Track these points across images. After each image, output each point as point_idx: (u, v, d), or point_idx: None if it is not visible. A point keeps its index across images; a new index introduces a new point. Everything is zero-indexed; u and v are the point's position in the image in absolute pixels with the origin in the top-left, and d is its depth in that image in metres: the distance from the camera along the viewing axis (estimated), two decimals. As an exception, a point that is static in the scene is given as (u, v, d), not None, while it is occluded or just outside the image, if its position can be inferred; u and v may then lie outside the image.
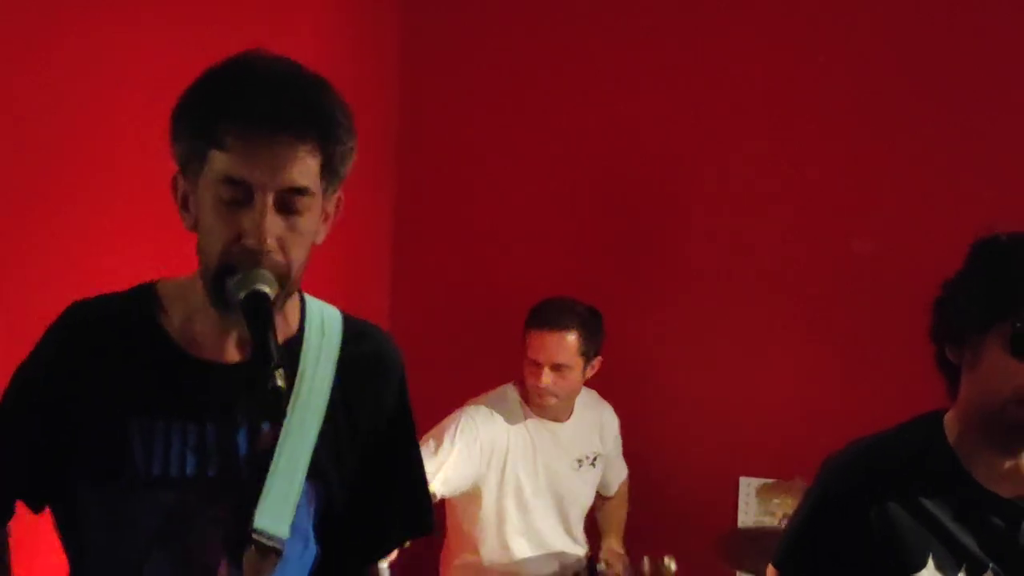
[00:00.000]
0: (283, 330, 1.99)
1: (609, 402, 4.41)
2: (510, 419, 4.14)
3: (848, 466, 2.40)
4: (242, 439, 1.98)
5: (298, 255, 1.90)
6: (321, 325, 2.07)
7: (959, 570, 2.32)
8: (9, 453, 2.01)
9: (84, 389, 1.95)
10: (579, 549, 4.35)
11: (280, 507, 1.98)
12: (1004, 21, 4.46)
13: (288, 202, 1.87)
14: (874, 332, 4.46)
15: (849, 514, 2.33)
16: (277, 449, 1.97)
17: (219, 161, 1.84)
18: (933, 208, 4.45)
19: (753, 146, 4.63)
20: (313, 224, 1.91)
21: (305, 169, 1.86)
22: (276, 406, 1.83)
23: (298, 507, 2.00)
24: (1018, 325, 2.22)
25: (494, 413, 4.14)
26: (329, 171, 1.91)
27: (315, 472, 2.01)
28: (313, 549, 2.09)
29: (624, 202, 4.76)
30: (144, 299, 2.02)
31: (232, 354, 1.99)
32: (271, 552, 1.97)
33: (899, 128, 4.51)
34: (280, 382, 1.80)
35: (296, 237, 1.89)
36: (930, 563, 2.32)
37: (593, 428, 4.33)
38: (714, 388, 4.66)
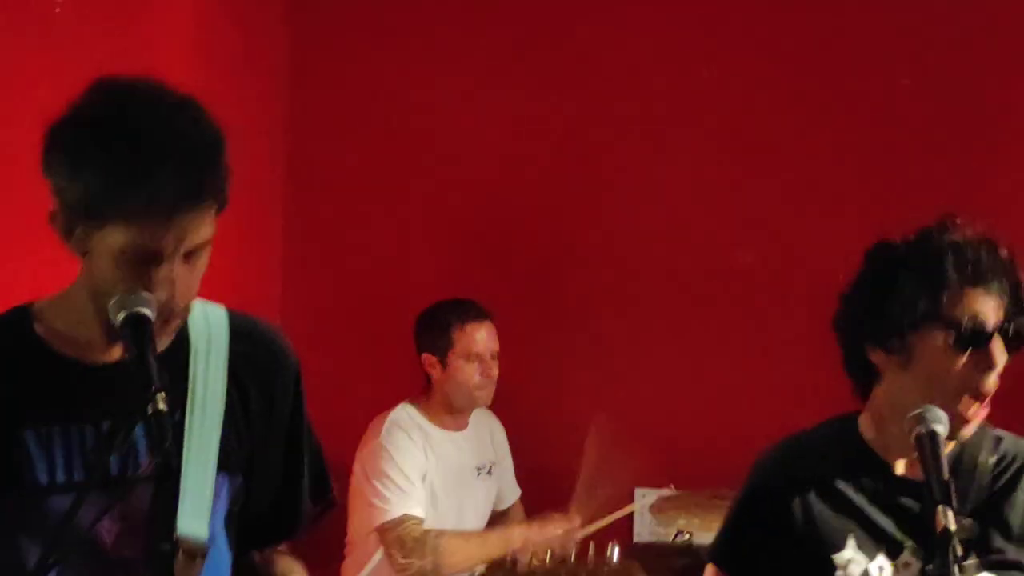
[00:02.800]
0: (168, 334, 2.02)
1: (498, 414, 4.45)
2: (419, 435, 4.19)
3: (771, 463, 2.55)
4: (139, 435, 1.96)
5: (194, 291, 1.99)
6: (207, 325, 2.09)
7: (878, 551, 2.44)
8: None
9: None
10: None
11: (197, 507, 2.00)
12: (880, 29, 4.57)
13: (191, 255, 1.93)
14: (768, 340, 4.53)
15: (774, 506, 2.48)
16: (184, 454, 1.98)
17: (120, 233, 1.88)
18: (823, 217, 4.53)
19: (638, 154, 4.69)
20: (207, 258, 1.97)
21: (207, 225, 1.93)
22: (159, 429, 1.82)
23: (212, 504, 2.04)
24: (954, 321, 2.31)
25: (405, 433, 4.19)
26: (220, 209, 1.96)
27: (225, 465, 2.04)
28: (224, 551, 2.11)
29: (516, 213, 4.80)
30: (19, 317, 2.04)
31: (117, 353, 2.00)
32: (196, 555, 1.98)
33: (781, 135, 4.61)
34: (162, 405, 1.82)
35: (196, 277, 1.97)
36: (850, 545, 2.44)
37: (485, 435, 4.40)
38: (606, 399, 4.63)
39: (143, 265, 1.89)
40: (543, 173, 4.78)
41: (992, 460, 2.49)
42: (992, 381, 2.37)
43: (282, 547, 2.31)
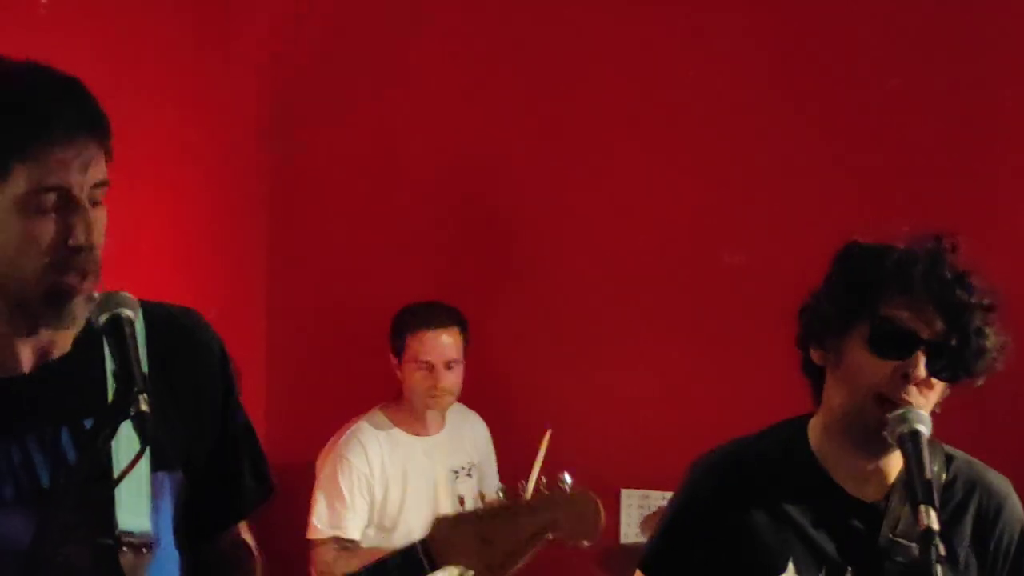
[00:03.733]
0: (73, 328, 1.98)
1: (481, 415, 4.47)
2: (380, 443, 4.22)
3: (712, 471, 2.50)
4: (67, 442, 1.96)
5: (102, 239, 1.95)
6: None
7: (819, 573, 2.40)
8: None
9: None
10: None
11: (135, 502, 1.98)
12: (869, 29, 4.59)
13: (94, 197, 1.92)
14: (751, 340, 4.51)
15: (712, 518, 2.43)
16: (113, 451, 1.92)
17: (30, 173, 1.86)
18: (800, 219, 4.55)
19: (623, 154, 4.71)
20: (104, 209, 1.95)
21: (102, 163, 1.92)
22: (143, 429, 1.81)
23: (154, 502, 2.01)
24: (876, 323, 2.30)
25: (361, 444, 4.23)
26: (109, 158, 1.94)
27: (160, 463, 2.00)
28: (171, 552, 2.07)
29: (500, 213, 4.84)
30: None
31: (29, 364, 1.97)
32: (142, 548, 1.98)
33: (768, 136, 4.63)
34: (144, 406, 1.81)
35: (101, 227, 1.94)
36: (790, 567, 2.39)
37: (465, 437, 4.42)
38: (590, 399, 4.69)
39: (50, 212, 1.88)
40: (529, 175, 4.81)
41: (944, 478, 2.45)
42: (917, 398, 2.32)
43: (248, 539, 2.30)
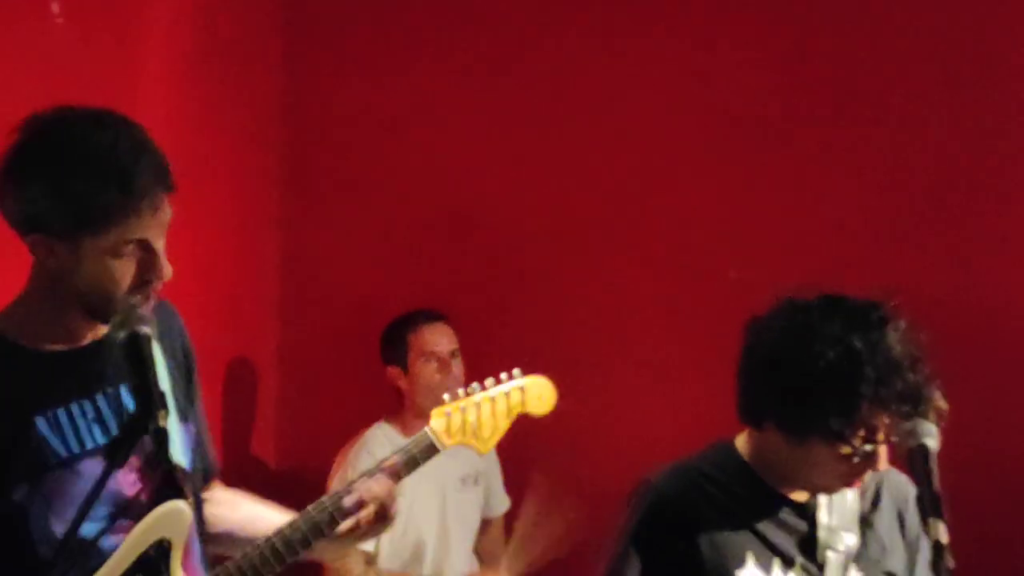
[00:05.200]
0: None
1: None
2: (388, 453, 4.17)
3: (667, 486, 2.68)
4: (126, 396, 2.36)
5: (169, 274, 2.36)
6: None
7: (773, 562, 2.62)
8: None
9: None
10: (468, 568, 4.46)
11: (179, 445, 2.39)
12: (873, 46, 4.58)
13: (162, 232, 2.33)
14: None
15: (674, 531, 2.61)
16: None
17: (118, 231, 2.25)
18: (806, 235, 4.56)
19: (627, 167, 4.73)
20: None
21: (169, 206, 2.32)
22: (162, 443, 2.12)
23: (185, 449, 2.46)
24: (854, 443, 2.48)
25: (371, 455, 4.21)
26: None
27: (183, 416, 2.46)
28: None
29: (498, 231, 4.85)
30: None
31: (86, 340, 2.39)
32: (189, 480, 2.39)
33: (774, 151, 4.63)
34: (162, 423, 2.11)
35: (167, 260, 2.34)
36: (750, 561, 2.60)
37: None
38: (594, 412, 4.61)
39: (140, 254, 2.28)
40: (534, 190, 4.83)
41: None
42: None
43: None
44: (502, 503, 4.62)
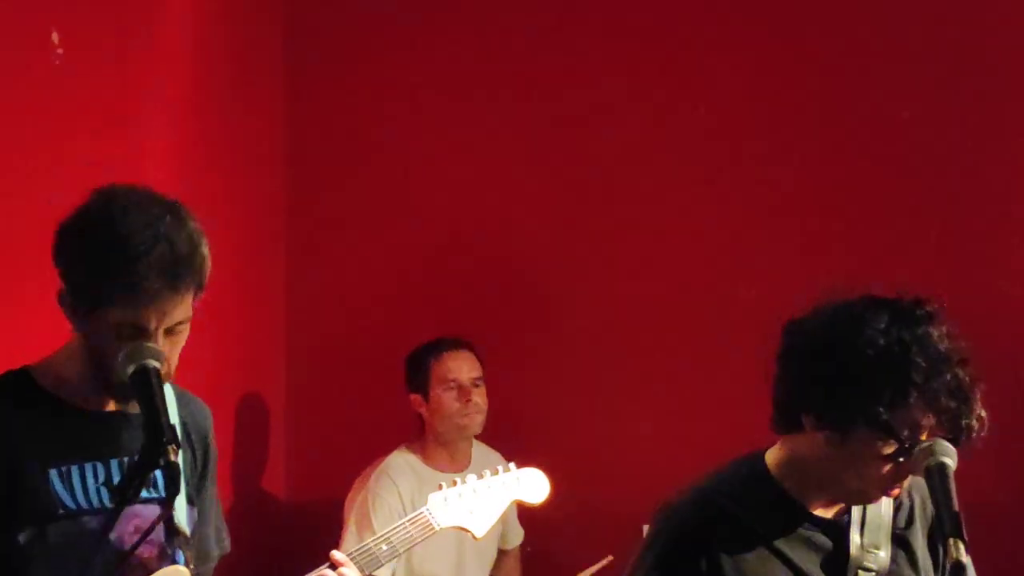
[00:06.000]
0: None
1: (504, 452, 4.45)
2: (409, 480, 4.28)
3: (692, 510, 2.62)
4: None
5: (176, 359, 2.48)
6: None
7: None
8: None
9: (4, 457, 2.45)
10: None
11: (184, 516, 2.58)
12: (876, 64, 4.62)
13: (172, 330, 2.45)
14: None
15: (698, 554, 2.55)
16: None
17: (114, 314, 2.40)
18: (814, 253, 4.59)
19: (637, 193, 4.77)
20: (187, 332, 2.48)
21: (186, 306, 2.45)
22: (172, 479, 2.28)
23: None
24: (903, 441, 2.42)
25: (392, 481, 4.31)
26: (199, 294, 2.48)
27: (189, 498, 2.60)
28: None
29: (513, 254, 4.89)
30: (23, 377, 2.54)
31: (108, 404, 2.53)
32: (189, 546, 2.58)
33: (782, 173, 4.68)
34: (173, 457, 2.24)
35: (176, 349, 2.48)
36: None
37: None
38: (610, 437, 4.71)
39: (136, 338, 2.39)
40: (545, 215, 4.87)
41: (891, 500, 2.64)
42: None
43: None
44: (517, 536, 4.66)
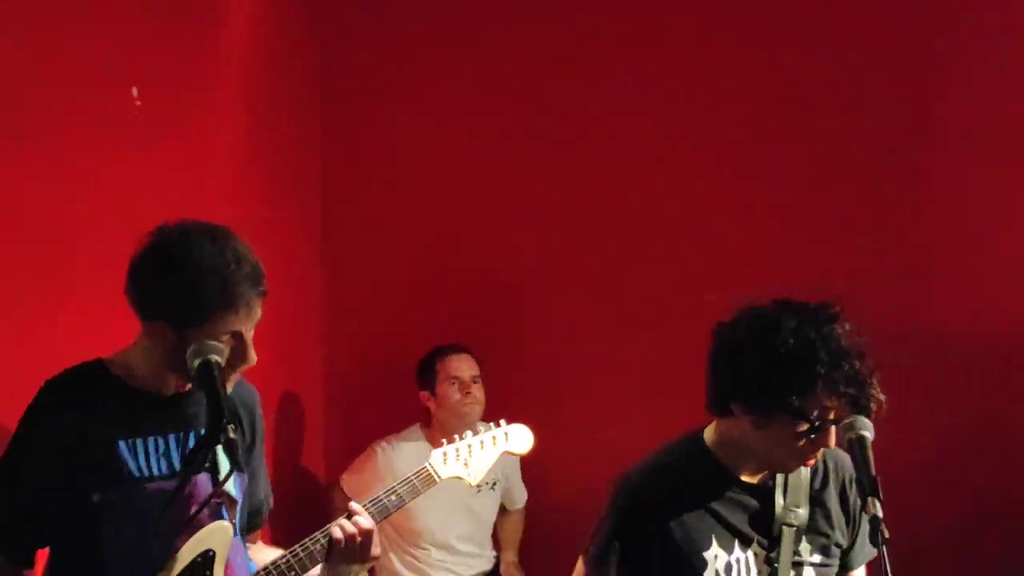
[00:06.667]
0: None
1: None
2: (417, 451, 4.60)
3: (645, 479, 2.86)
4: (192, 441, 2.77)
5: (254, 355, 2.77)
6: None
7: (734, 543, 2.83)
8: (25, 494, 2.76)
9: (78, 430, 2.72)
10: (487, 554, 4.89)
11: (233, 483, 2.82)
12: (839, 80, 4.80)
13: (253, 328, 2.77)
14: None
15: (648, 521, 2.80)
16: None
17: (219, 325, 2.67)
18: (794, 257, 4.79)
19: (619, 207, 5.04)
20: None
21: (260, 309, 2.74)
22: (232, 453, 2.53)
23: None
24: (811, 421, 2.67)
25: (400, 446, 4.72)
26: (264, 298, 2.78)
27: (238, 466, 2.76)
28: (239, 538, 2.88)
29: (512, 273, 5.18)
30: (98, 366, 2.80)
31: (171, 390, 2.80)
32: (234, 508, 2.84)
33: (749, 173, 4.89)
34: (232, 435, 2.49)
35: (254, 351, 2.77)
36: (714, 543, 2.81)
37: None
38: (592, 425, 4.99)
39: (236, 343, 2.68)
40: (539, 241, 5.13)
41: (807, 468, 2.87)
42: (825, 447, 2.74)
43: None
44: (521, 497, 4.99)
